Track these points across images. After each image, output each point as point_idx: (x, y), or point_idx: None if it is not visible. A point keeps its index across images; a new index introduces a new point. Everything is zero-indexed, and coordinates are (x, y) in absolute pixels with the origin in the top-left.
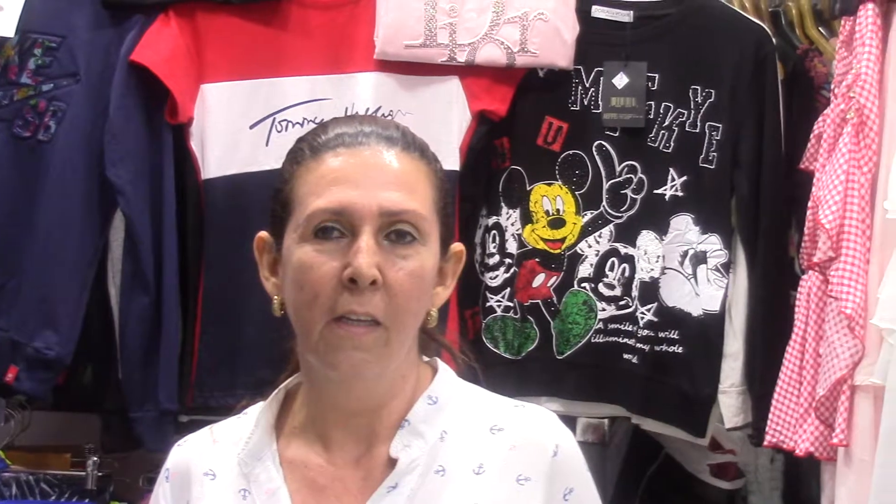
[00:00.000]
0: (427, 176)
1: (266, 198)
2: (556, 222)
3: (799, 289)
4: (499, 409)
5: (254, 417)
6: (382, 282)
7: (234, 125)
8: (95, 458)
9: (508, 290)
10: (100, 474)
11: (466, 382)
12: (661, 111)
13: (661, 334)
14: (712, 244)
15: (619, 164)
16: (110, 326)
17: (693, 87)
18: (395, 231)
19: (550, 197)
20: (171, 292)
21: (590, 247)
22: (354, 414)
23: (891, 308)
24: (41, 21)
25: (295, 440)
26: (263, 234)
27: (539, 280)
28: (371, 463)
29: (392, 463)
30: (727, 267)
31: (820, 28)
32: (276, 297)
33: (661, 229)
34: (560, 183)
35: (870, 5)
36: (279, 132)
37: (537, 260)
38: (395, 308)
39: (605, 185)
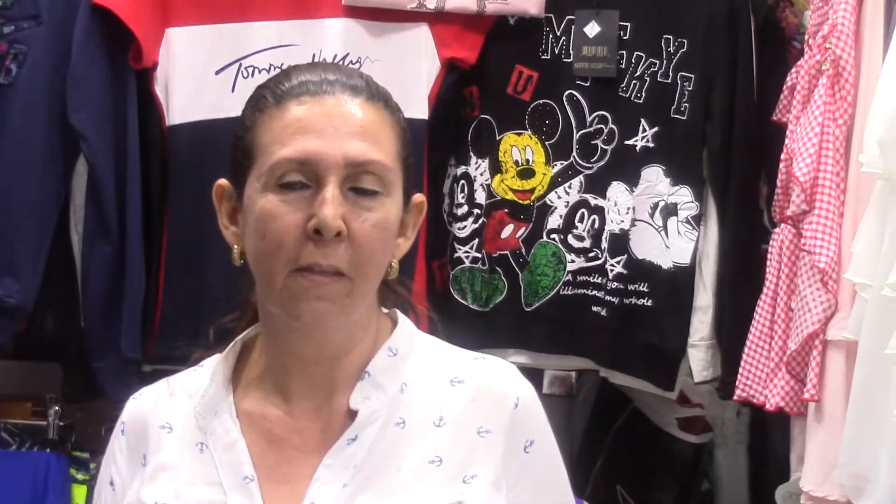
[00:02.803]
0: (391, 126)
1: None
2: (526, 172)
3: (771, 242)
4: (459, 362)
5: (210, 370)
6: (347, 233)
7: (199, 71)
8: (57, 408)
9: (477, 240)
10: (61, 424)
11: (426, 334)
12: (633, 61)
13: (631, 287)
14: (683, 196)
15: (590, 115)
16: (73, 274)
17: (665, 36)
18: (360, 182)
19: (520, 147)
20: (135, 240)
21: (559, 198)
22: (314, 363)
23: (864, 262)
24: None
25: (252, 392)
26: (223, 181)
27: (508, 231)
28: (330, 415)
29: (352, 415)
30: (698, 219)
31: None
32: (235, 245)
33: (632, 181)
34: (530, 133)
35: None
36: (245, 78)
37: (506, 210)
38: (359, 260)
39: (576, 136)
